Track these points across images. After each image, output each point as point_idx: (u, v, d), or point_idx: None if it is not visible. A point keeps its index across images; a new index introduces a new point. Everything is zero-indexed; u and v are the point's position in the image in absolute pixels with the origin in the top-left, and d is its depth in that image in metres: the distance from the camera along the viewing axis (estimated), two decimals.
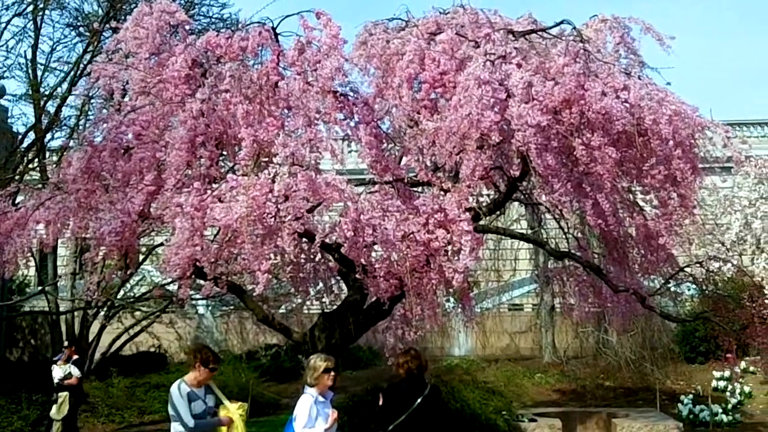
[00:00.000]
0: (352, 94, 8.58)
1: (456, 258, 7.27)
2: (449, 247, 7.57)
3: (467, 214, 7.46)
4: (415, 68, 8.41)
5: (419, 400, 7.11)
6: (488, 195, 10.14)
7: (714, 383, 16.74)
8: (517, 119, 7.26)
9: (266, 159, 7.07)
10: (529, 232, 17.52)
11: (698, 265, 10.14)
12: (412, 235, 7.33)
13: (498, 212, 16.02)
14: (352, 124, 8.48)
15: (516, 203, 14.08)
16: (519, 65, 7.74)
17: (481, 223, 9.54)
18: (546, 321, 20.33)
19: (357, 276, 7.73)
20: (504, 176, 9.28)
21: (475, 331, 20.75)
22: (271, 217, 6.56)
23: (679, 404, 15.86)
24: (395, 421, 7.06)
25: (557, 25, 8.72)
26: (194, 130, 7.42)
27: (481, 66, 7.67)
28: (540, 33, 8.82)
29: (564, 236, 11.70)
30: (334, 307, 10.03)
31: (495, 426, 11.83)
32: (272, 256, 7.46)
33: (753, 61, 74.43)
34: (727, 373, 16.57)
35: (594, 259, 10.68)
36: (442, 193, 7.98)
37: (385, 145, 9.03)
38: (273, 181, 6.66)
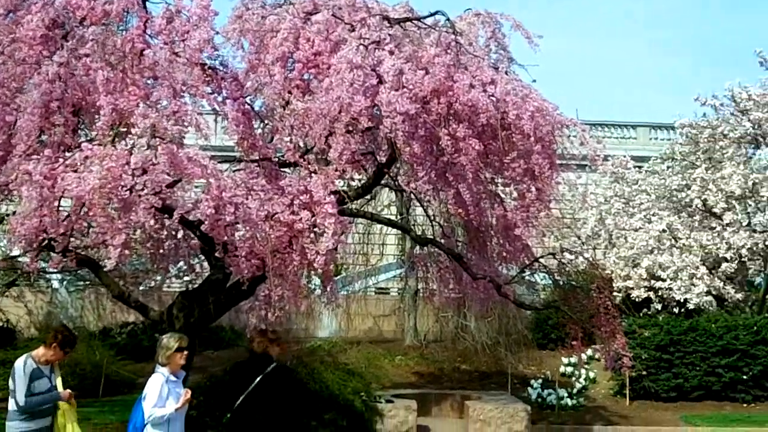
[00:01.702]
0: (221, 68, 8.41)
1: (319, 240, 7.25)
2: (314, 230, 7.55)
3: (333, 197, 7.45)
4: (289, 47, 8.31)
5: (258, 379, 7.12)
6: (359, 179, 10.19)
7: (562, 368, 17.62)
8: (387, 106, 7.32)
9: (125, 129, 6.78)
10: (398, 218, 17.79)
11: (552, 256, 10.60)
12: (276, 216, 7.25)
13: (368, 197, 16.21)
14: (220, 98, 8.32)
15: (387, 189, 14.27)
16: (391, 52, 7.79)
17: (352, 207, 9.59)
18: (409, 305, 20.70)
19: (217, 255, 7.59)
20: (374, 161, 9.35)
21: (340, 313, 20.95)
22: (126, 190, 6.32)
23: (529, 388, 16.63)
24: (238, 400, 7.06)
25: (432, 15, 8.81)
26: (49, 95, 7.03)
27: (355, 50, 7.68)
28: (415, 22, 8.89)
29: (430, 224, 11.94)
30: (196, 285, 9.83)
31: (352, 407, 11.95)
32: (130, 231, 7.21)
33: (623, 64, 78.32)
34: (574, 360, 17.47)
35: (457, 247, 10.94)
36: (309, 174, 7.94)
37: (256, 123, 8.90)
38: (130, 153, 6.42)
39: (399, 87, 7.43)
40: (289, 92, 8.26)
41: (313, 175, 7.74)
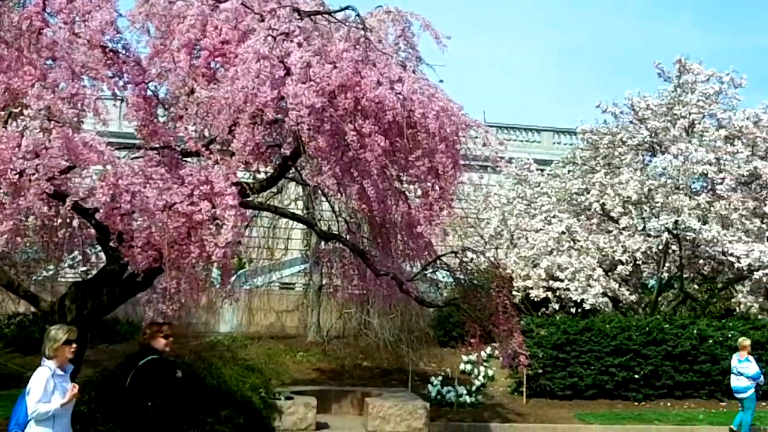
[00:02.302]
0: (123, 51, 8.19)
1: (219, 232, 7.11)
2: (214, 221, 7.39)
3: (234, 188, 7.30)
4: (196, 34, 8.12)
5: (132, 372, 6.99)
6: (266, 172, 10.05)
7: (462, 366, 17.87)
8: (293, 98, 7.23)
9: (17, 110, 6.47)
10: (305, 212, 17.69)
11: (454, 255, 10.72)
12: (174, 206, 7.06)
13: (275, 191, 16.01)
14: (121, 83, 8.09)
15: (294, 183, 14.15)
16: (300, 44, 7.70)
17: (256, 199, 9.44)
18: (313, 301, 20.59)
19: (112, 245, 7.34)
20: (280, 154, 9.23)
21: (243, 308, 20.69)
22: (15, 174, 6.04)
23: (429, 385, 16.80)
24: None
25: (342, 10, 8.76)
26: None
27: (263, 40, 7.55)
28: (325, 15, 8.82)
29: (335, 219, 11.89)
30: (91, 276, 9.49)
31: (250, 403, 11.78)
32: (20, 217, 6.89)
33: (533, 69, 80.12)
34: (474, 357, 17.73)
35: (362, 243, 10.92)
36: (211, 164, 7.77)
37: (160, 110, 8.66)
38: (22, 135, 6.14)
39: (306, 80, 7.36)
40: (194, 80, 8.08)
41: (215, 165, 7.58)
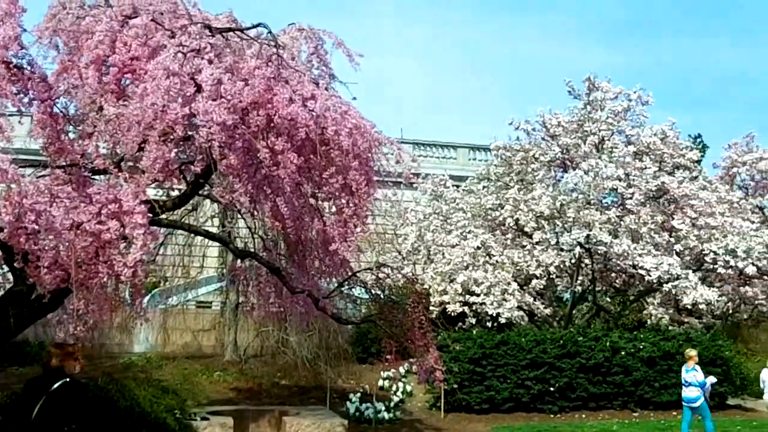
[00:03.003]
0: (28, 67, 7.97)
1: (127, 251, 6.97)
2: (122, 240, 7.25)
3: (143, 206, 7.19)
4: (105, 50, 8.00)
5: (44, 397, 6.75)
6: (179, 189, 9.90)
7: (381, 382, 17.90)
8: (203, 115, 7.18)
9: None
10: (220, 230, 17.45)
11: (369, 271, 10.78)
12: (82, 225, 6.90)
13: (189, 208, 15.75)
14: (26, 99, 7.87)
15: (210, 200, 13.95)
16: (211, 61, 7.66)
17: (172, 217, 9.28)
18: (230, 319, 20.31)
19: (17, 265, 7.11)
20: (192, 172, 9.12)
21: (157, 327, 20.24)
22: None
23: (348, 402, 16.76)
24: (31, 415, 6.66)
25: (254, 27, 8.76)
26: None
27: (173, 57, 7.48)
28: (237, 32, 8.79)
29: (252, 236, 11.79)
30: None
31: (165, 425, 11.57)
32: None
33: (452, 85, 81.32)
34: (392, 373, 17.81)
35: (279, 261, 10.87)
36: (120, 183, 7.63)
37: (69, 127, 8.46)
38: None
39: (217, 97, 7.31)
40: (103, 97, 7.94)
41: (124, 183, 7.45)
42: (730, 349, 19.74)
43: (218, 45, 8.27)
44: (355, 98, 8.81)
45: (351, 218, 8.48)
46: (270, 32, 8.58)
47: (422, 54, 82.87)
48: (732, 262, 18.39)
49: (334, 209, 9.18)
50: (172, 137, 7.29)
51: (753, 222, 20.21)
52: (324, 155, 7.86)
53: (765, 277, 23.46)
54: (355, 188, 8.10)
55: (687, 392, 14.71)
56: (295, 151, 7.81)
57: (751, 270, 18.66)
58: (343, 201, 8.50)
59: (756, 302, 24.32)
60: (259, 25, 8.67)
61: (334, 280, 10.92)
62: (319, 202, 9.54)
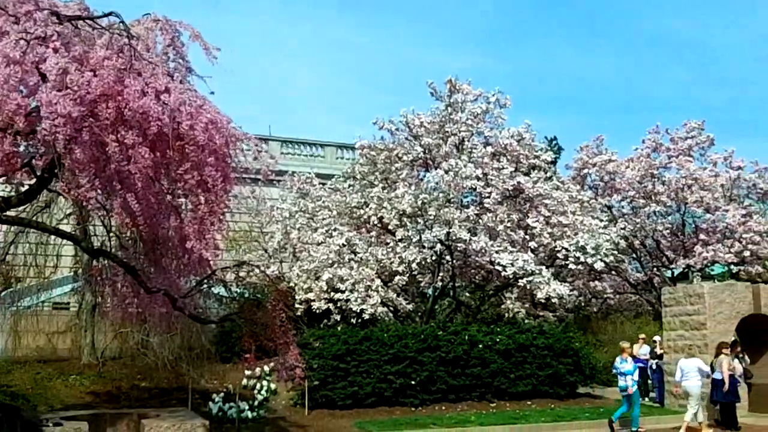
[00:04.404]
0: None
1: None
2: None
3: None
4: None
5: None
6: (29, 185, 9.42)
7: (245, 381, 17.63)
8: (47, 107, 6.87)
9: None
10: (76, 228, 16.74)
11: (229, 269, 10.63)
12: None
13: (43, 205, 15.00)
14: None
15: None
16: (56, 50, 7.33)
17: (22, 215, 8.82)
18: (87, 321, 19.52)
19: None
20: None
21: (8, 330, 19.21)
22: None
23: (211, 402, 16.44)
24: None
25: (106, 15, 8.46)
26: None
27: (14, 44, 7.12)
28: (88, 21, 8.46)
29: (107, 235, 11.38)
30: None
31: None
32: None
33: (322, 84, 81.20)
34: (257, 372, 17.60)
35: (138, 260, 10.55)
36: None
37: None
38: None
39: (63, 87, 7.02)
40: None
41: None
42: (580, 341, 20.77)
43: (66, 33, 7.94)
44: (212, 92, 8.68)
45: (208, 215, 8.34)
46: (123, 22, 8.30)
47: (304, 53, 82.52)
48: (582, 259, 19.37)
49: (190, 206, 9.01)
50: (10, 131, 6.91)
51: (602, 220, 21.37)
52: (179, 150, 7.70)
53: (613, 273, 24.95)
54: (211, 184, 7.98)
55: (621, 381, 15.77)
56: (149, 145, 7.61)
57: (599, 266, 19.74)
58: (200, 198, 8.34)
59: (605, 296, 25.87)
60: (111, 13, 8.37)
61: (192, 278, 10.72)
62: (177, 199, 9.34)
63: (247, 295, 11.25)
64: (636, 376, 15.86)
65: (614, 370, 16.22)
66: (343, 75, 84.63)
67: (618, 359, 16.05)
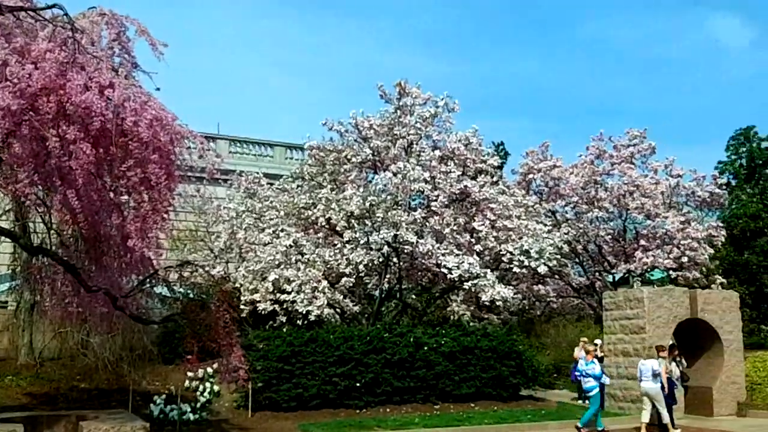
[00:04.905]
0: None
1: None
2: None
3: None
4: None
5: None
6: None
7: (188, 383, 17.39)
8: None
9: None
10: (16, 224, 16.33)
11: (172, 269, 10.48)
12: None
13: None
14: None
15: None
16: None
17: None
18: (25, 320, 19.03)
19: None
20: None
21: None
22: None
23: (152, 404, 16.17)
24: None
25: (49, 7, 8.29)
26: None
27: None
28: (30, 12, 8.27)
29: (48, 232, 11.13)
30: None
31: None
32: None
33: (274, 84, 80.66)
34: (200, 373, 17.38)
35: (80, 258, 10.33)
36: None
37: None
38: None
39: (2, 79, 6.85)
40: None
41: None
42: (524, 344, 21.00)
43: (8, 24, 7.77)
44: (158, 89, 8.57)
45: (151, 213, 8.22)
46: (66, 14, 8.14)
47: (265, 51, 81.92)
48: (526, 262, 19.61)
49: (133, 204, 8.86)
50: None
51: (546, 225, 21.64)
52: (122, 147, 7.58)
53: (556, 277, 25.32)
54: (155, 182, 7.86)
55: (585, 383, 16.24)
56: (91, 141, 7.47)
57: (543, 269, 19.99)
58: (143, 195, 8.21)
59: (548, 299, 26.23)
60: (54, 5, 8.20)
61: (134, 278, 10.56)
62: (119, 197, 9.18)
63: (191, 296, 11.05)
64: (603, 378, 16.32)
65: (577, 372, 16.60)
66: (299, 74, 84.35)
67: (583, 362, 16.50)
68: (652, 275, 26.14)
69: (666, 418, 15.47)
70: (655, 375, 15.55)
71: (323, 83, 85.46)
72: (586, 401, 19.77)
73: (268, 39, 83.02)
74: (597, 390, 16.08)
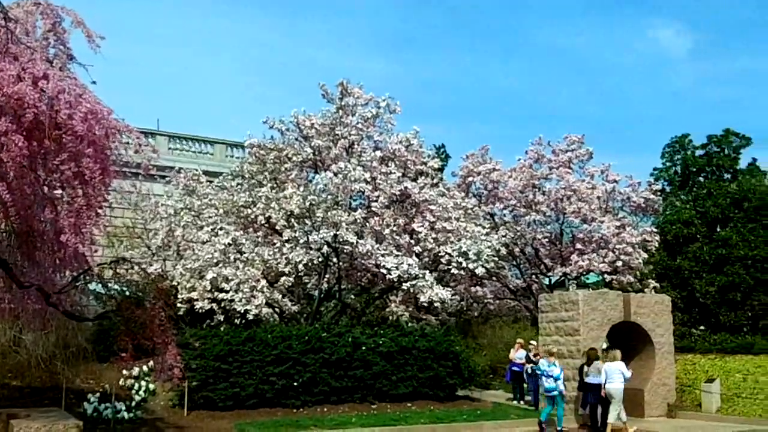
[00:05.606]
0: None
1: None
2: None
3: None
4: None
5: None
6: None
7: (123, 381, 17.15)
8: None
9: None
10: None
11: (107, 266, 10.37)
12: None
13: None
14: None
15: None
16: None
17: None
18: None
19: None
20: None
21: None
22: None
23: (86, 402, 15.93)
24: None
25: None
26: None
27: None
28: None
29: None
30: None
31: None
32: None
33: (213, 81, 79.80)
34: (136, 372, 17.15)
35: (12, 252, 10.13)
36: None
37: None
38: None
39: None
40: None
41: None
42: (461, 344, 21.24)
43: None
44: (94, 82, 8.48)
45: (85, 208, 8.12)
46: (0, 3, 7.99)
47: (216, 48, 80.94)
48: (464, 264, 19.86)
49: (66, 198, 8.74)
50: None
51: (484, 227, 21.92)
52: (56, 140, 7.49)
53: (493, 279, 25.68)
54: (89, 177, 7.78)
55: (546, 383, 16.96)
56: (24, 133, 7.36)
57: (480, 271, 20.29)
58: (77, 190, 8.11)
59: (485, 301, 26.56)
60: None
61: (68, 274, 10.39)
62: (53, 191, 9.04)
63: (126, 293, 10.93)
64: (562, 379, 16.94)
65: (538, 371, 17.19)
66: (246, 72, 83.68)
67: (545, 362, 17.22)
68: (587, 279, 26.64)
69: (612, 419, 16.00)
70: (626, 377, 16.31)
71: (268, 82, 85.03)
72: (521, 402, 20.21)
73: (216, 37, 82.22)
74: (557, 391, 16.77)
